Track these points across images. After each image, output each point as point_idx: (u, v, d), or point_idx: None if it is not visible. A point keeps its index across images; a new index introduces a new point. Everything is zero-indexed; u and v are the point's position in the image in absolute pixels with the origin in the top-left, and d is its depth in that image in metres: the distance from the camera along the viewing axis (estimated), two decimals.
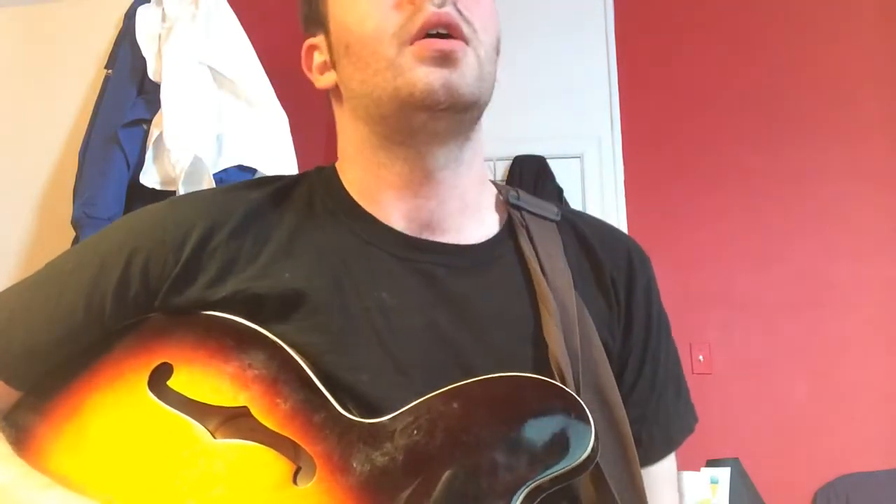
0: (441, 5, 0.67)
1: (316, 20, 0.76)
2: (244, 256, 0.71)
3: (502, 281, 0.74)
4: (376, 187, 0.74)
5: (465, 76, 0.67)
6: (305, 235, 0.73)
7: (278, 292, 0.69)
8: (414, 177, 0.73)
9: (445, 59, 0.66)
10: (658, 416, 0.77)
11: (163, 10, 2.02)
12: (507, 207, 0.80)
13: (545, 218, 0.80)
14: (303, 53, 0.78)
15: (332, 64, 0.75)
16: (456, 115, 0.69)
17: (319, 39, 0.76)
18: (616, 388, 0.70)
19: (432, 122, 0.69)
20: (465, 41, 0.68)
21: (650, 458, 0.75)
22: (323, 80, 0.77)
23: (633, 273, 0.79)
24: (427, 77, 0.66)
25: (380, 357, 0.67)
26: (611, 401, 0.69)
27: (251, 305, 0.69)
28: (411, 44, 0.67)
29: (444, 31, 0.67)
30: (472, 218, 0.77)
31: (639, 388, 0.77)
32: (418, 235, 0.74)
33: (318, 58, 0.77)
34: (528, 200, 0.81)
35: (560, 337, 0.69)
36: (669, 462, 0.79)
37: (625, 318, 0.77)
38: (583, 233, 0.80)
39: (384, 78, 0.67)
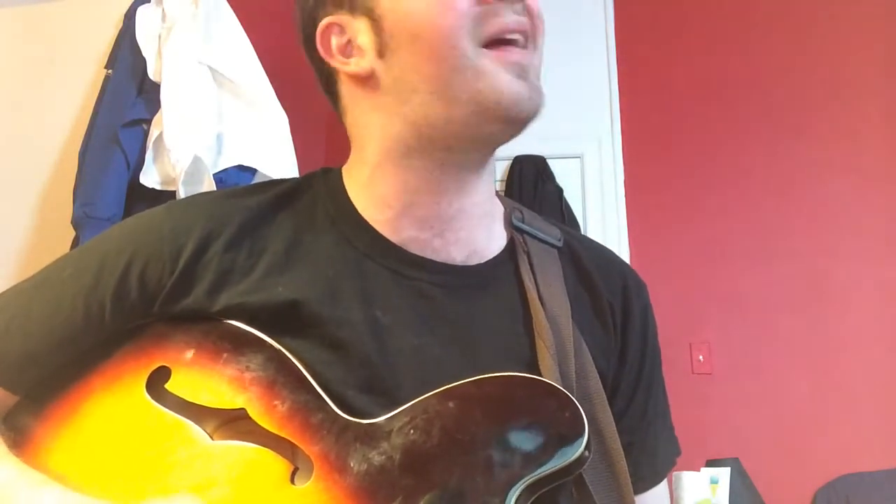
0: (520, 13, 0.67)
1: (340, 0, 0.71)
2: (238, 269, 0.70)
3: (499, 306, 0.73)
4: (391, 192, 0.72)
5: (538, 87, 0.67)
6: (303, 247, 0.72)
7: (271, 306, 0.68)
8: (443, 182, 0.71)
9: (524, 69, 0.66)
10: (646, 444, 0.77)
11: (163, 9, 2.02)
12: (511, 229, 0.79)
13: (547, 244, 0.79)
14: (318, 34, 0.72)
15: (377, 51, 0.69)
16: (526, 125, 0.68)
17: (343, 19, 0.71)
18: (612, 422, 0.70)
19: (503, 133, 0.68)
20: (533, 50, 0.68)
21: (638, 486, 0.74)
22: (354, 65, 0.70)
23: (629, 300, 0.79)
24: (514, 87, 0.65)
25: (367, 376, 0.67)
26: (606, 435, 0.69)
27: (245, 319, 0.68)
28: (487, 47, 0.65)
29: (520, 38, 0.67)
30: (486, 228, 0.77)
31: (629, 415, 0.77)
32: (426, 247, 0.73)
33: (339, 39, 0.71)
34: (531, 223, 0.80)
35: (555, 368, 0.68)
36: (662, 488, 0.79)
37: (620, 345, 0.77)
38: (581, 258, 0.80)
39: (463, 77, 0.65)
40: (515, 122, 0.67)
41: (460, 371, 0.66)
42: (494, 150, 0.73)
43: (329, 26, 0.72)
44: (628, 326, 0.78)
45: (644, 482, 0.77)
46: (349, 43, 0.71)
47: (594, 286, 0.78)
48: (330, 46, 0.72)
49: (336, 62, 0.72)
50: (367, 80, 0.71)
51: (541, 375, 0.68)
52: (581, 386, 0.69)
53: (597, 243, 0.86)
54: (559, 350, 0.70)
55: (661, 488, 0.79)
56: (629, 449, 0.72)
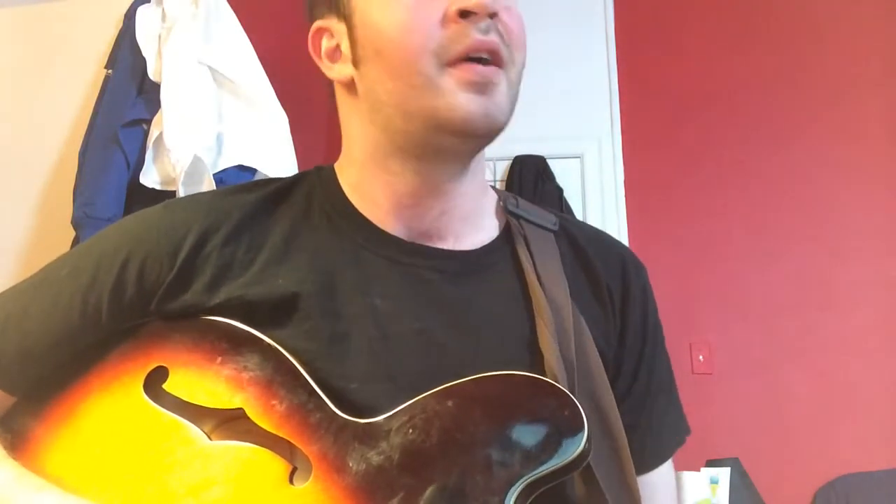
0: (486, 31, 0.66)
1: (332, 4, 0.72)
2: (238, 262, 0.71)
3: (498, 288, 0.74)
4: (379, 192, 0.73)
5: (500, 104, 0.67)
6: (300, 240, 0.73)
7: (271, 299, 0.69)
8: (422, 188, 0.72)
9: (485, 87, 0.66)
10: (651, 424, 0.77)
11: (163, 9, 2.02)
12: (506, 215, 0.79)
13: (543, 227, 0.79)
14: (310, 35, 0.74)
15: (352, 60, 0.71)
16: (486, 140, 0.69)
17: (333, 24, 0.72)
18: (613, 400, 0.70)
19: (461, 145, 0.69)
20: (502, 66, 0.67)
21: (642, 466, 0.75)
22: (336, 71, 0.73)
23: (627, 281, 0.79)
24: (468, 105, 0.65)
25: (370, 365, 0.67)
26: (607, 412, 0.69)
27: (244, 312, 0.68)
28: (451, 66, 0.65)
29: (487, 56, 0.66)
30: (472, 224, 0.77)
31: (632, 396, 0.77)
32: (414, 240, 0.74)
33: (328, 43, 0.73)
34: (527, 209, 0.81)
35: (555, 347, 0.68)
36: (666, 469, 0.79)
37: (620, 326, 0.77)
38: (578, 242, 0.80)
39: (421, 95, 0.66)
40: (470, 136, 0.67)
41: (462, 354, 0.67)
42: (469, 158, 0.73)
43: (320, 30, 0.74)
44: (627, 308, 0.78)
45: (649, 462, 0.77)
46: (337, 48, 0.72)
47: (592, 269, 0.78)
48: (319, 49, 0.74)
49: (323, 65, 0.74)
50: (349, 86, 0.73)
51: (541, 355, 0.68)
52: (581, 364, 0.69)
53: (593, 227, 0.87)
54: (559, 329, 0.70)
55: (667, 468, 0.79)
56: (633, 429, 0.73)
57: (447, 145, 0.69)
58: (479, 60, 0.66)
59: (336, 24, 0.72)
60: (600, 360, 0.71)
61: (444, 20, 0.65)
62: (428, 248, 0.73)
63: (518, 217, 0.79)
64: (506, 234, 0.78)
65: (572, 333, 0.70)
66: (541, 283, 0.73)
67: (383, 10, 0.67)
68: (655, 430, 0.78)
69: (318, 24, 0.74)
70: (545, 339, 0.69)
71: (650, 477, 0.76)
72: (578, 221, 0.88)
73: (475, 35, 0.65)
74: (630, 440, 0.70)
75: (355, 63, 0.70)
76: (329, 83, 0.77)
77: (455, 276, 0.73)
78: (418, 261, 0.72)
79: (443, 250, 0.74)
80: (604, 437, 0.68)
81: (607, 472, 0.66)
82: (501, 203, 0.81)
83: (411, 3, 0.66)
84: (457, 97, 0.65)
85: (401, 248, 0.73)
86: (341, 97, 0.75)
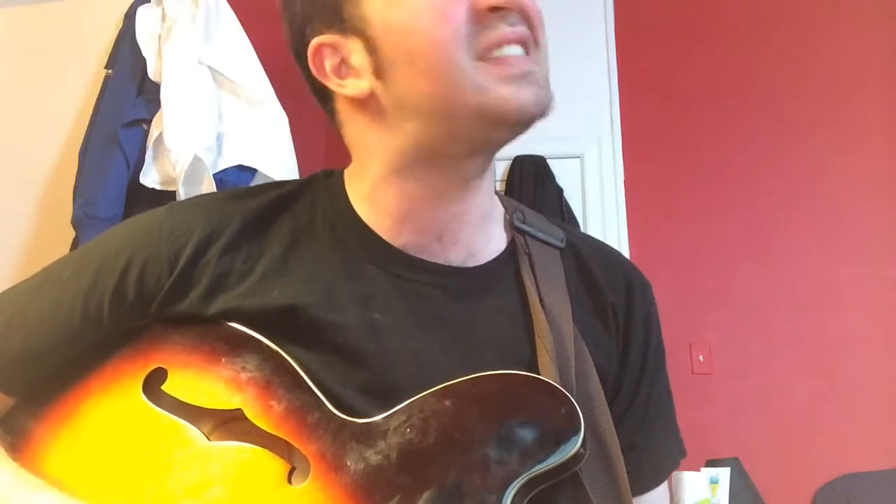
0: (514, 23, 0.66)
1: (332, 21, 0.68)
2: (235, 272, 0.70)
3: (499, 308, 0.73)
4: (392, 202, 0.71)
5: (545, 88, 0.67)
6: (301, 250, 0.72)
7: (267, 311, 0.68)
8: (444, 189, 0.71)
9: (525, 77, 0.65)
10: (648, 446, 0.77)
11: (163, 10, 2.02)
12: (512, 230, 0.78)
13: (549, 244, 0.78)
14: (310, 53, 0.69)
15: (374, 71, 0.67)
16: (531, 125, 0.68)
17: (335, 39, 0.68)
18: (612, 427, 0.69)
19: (510, 135, 0.68)
20: (531, 53, 0.67)
21: (638, 488, 0.74)
22: (352, 87, 0.68)
23: (632, 300, 0.78)
24: (519, 95, 0.64)
25: (364, 379, 0.67)
26: (606, 440, 0.68)
27: (242, 323, 0.68)
28: (484, 59, 0.64)
29: (517, 48, 0.66)
30: (485, 231, 0.76)
31: (630, 417, 0.76)
32: (423, 250, 0.72)
33: (333, 59, 0.69)
34: (533, 223, 0.79)
35: (555, 371, 0.68)
36: (662, 491, 0.78)
37: (622, 345, 0.77)
38: (585, 259, 0.79)
39: (465, 95, 0.64)
40: (525, 124, 0.67)
41: (459, 373, 0.66)
42: (500, 148, 0.72)
43: (320, 47, 0.69)
44: (630, 327, 0.78)
45: (645, 483, 0.76)
46: (342, 63, 0.69)
47: (597, 286, 0.78)
48: (324, 68, 0.70)
49: (332, 84, 0.70)
50: (365, 101, 0.69)
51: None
52: (581, 389, 0.69)
53: (601, 243, 0.86)
54: (559, 353, 0.69)
55: (662, 489, 0.79)
56: (631, 451, 0.72)
57: (496, 138, 0.68)
58: (510, 56, 0.66)
59: (339, 39, 0.68)
60: (600, 386, 0.70)
61: (474, 15, 0.64)
62: (432, 263, 0.72)
63: (524, 233, 0.78)
64: (510, 250, 0.77)
65: (573, 358, 0.69)
66: (543, 305, 0.72)
67: (408, 10, 0.64)
68: (652, 452, 0.77)
69: (316, 41, 0.69)
70: (545, 362, 0.68)
71: (645, 498, 0.76)
72: (586, 236, 0.86)
73: (505, 27, 0.65)
74: (626, 461, 0.69)
75: (378, 74, 0.67)
76: (323, 101, 0.75)
77: (457, 293, 0.72)
78: (421, 276, 0.72)
79: (446, 266, 0.73)
80: (601, 464, 0.67)
81: (605, 498, 0.66)
82: (508, 216, 0.79)
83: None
84: (501, 90, 0.64)
85: (404, 262, 0.72)
86: (351, 114, 0.72)
